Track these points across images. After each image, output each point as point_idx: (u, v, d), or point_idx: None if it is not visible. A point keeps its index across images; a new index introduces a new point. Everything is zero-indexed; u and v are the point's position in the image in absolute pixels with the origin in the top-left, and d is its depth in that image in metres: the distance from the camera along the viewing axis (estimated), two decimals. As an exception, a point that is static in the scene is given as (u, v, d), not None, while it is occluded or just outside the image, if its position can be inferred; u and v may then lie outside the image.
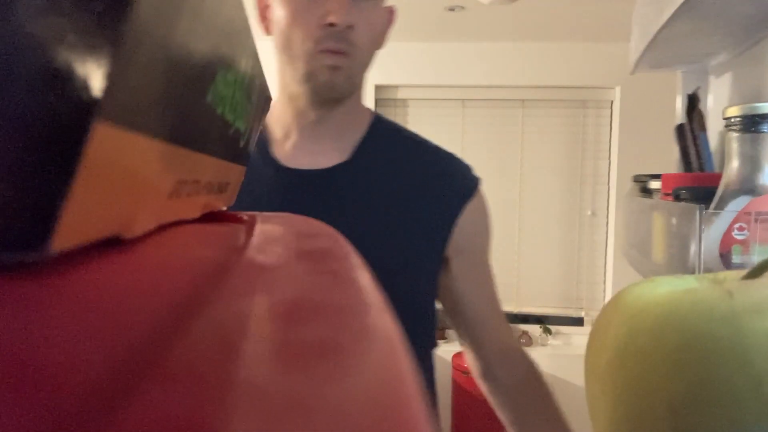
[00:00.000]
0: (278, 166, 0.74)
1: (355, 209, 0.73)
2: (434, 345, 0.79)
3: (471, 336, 0.81)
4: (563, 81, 2.89)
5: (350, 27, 0.68)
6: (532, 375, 0.81)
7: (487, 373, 0.81)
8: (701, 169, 0.73)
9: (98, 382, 0.08)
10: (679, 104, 1.08)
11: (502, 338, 0.82)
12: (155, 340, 0.09)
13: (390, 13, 0.78)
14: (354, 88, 0.73)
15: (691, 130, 0.75)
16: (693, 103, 0.75)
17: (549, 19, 2.52)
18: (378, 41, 0.74)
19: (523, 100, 2.99)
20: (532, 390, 0.80)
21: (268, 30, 0.74)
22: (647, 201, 0.62)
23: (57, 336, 0.09)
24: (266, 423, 0.07)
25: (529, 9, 2.31)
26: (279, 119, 0.76)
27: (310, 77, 0.69)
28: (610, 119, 2.99)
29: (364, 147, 0.76)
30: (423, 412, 0.09)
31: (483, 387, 0.83)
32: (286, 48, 0.70)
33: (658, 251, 0.56)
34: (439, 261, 0.76)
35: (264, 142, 0.76)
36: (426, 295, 0.76)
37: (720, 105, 0.88)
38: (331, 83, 0.69)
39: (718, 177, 0.60)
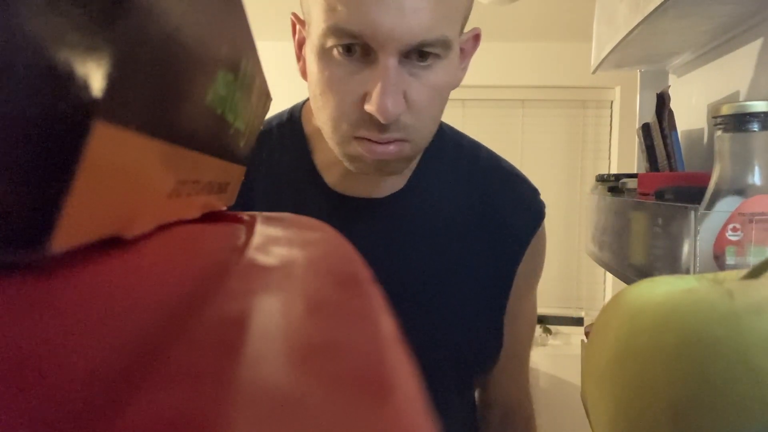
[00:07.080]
0: (329, 191, 0.64)
1: (413, 241, 0.65)
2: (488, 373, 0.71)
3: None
4: (563, 81, 2.89)
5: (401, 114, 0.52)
6: None
7: (484, 411, 0.76)
8: (670, 168, 0.73)
9: (98, 381, 0.08)
10: (638, 104, 1.09)
11: (513, 393, 0.76)
12: (155, 339, 0.09)
13: (475, 39, 0.62)
14: (414, 159, 0.59)
15: (660, 129, 0.74)
16: (662, 101, 0.75)
17: (549, 19, 2.52)
18: (446, 95, 0.57)
19: (523, 100, 2.99)
20: None
21: (303, 73, 0.60)
22: (623, 201, 0.62)
23: (57, 336, 0.09)
24: (266, 422, 0.07)
25: (529, 9, 2.31)
26: (325, 147, 0.62)
27: (349, 160, 0.56)
28: (610, 119, 2.99)
29: (424, 170, 0.67)
30: (422, 411, 0.09)
31: (480, 410, 0.77)
32: (319, 112, 0.56)
33: (638, 252, 0.56)
34: (506, 298, 0.69)
35: (309, 159, 0.66)
36: (492, 331, 0.69)
37: (682, 104, 0.87)
38: (377, 171, 0.56)
39: (702, 176, 0.59)
